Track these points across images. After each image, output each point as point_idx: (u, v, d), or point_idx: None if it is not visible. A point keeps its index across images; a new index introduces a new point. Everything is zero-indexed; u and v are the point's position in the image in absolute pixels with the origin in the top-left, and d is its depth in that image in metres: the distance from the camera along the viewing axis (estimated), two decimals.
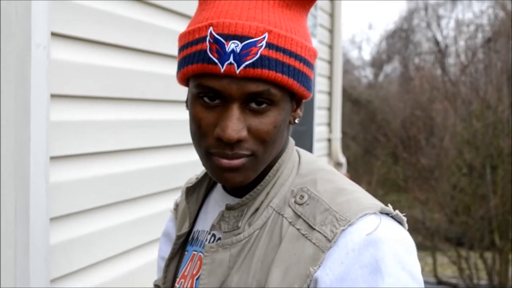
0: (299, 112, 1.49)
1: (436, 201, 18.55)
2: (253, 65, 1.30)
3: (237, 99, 1.33)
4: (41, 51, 2.28)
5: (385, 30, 38.12)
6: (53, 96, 2.41)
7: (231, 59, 1.30)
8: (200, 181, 1.65)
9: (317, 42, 7.59)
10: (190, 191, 1.64)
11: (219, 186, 1.60)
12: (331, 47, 8.42)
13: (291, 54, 1.35)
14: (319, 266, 1.30)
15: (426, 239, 18.32)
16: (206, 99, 1.36)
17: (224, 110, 1.34)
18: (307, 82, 1.41)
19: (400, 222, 1.40)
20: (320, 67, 7.86)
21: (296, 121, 1.48)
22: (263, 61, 1.31)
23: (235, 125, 1.32)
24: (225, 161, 1.36)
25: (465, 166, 17.95)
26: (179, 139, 3.48)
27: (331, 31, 8.39)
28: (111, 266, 2.93)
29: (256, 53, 1.31)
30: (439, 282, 18.28)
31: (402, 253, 1.32)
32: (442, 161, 18.67)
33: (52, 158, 2.41)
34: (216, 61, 1.31)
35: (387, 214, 1.38)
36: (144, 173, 3.21)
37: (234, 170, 1.37)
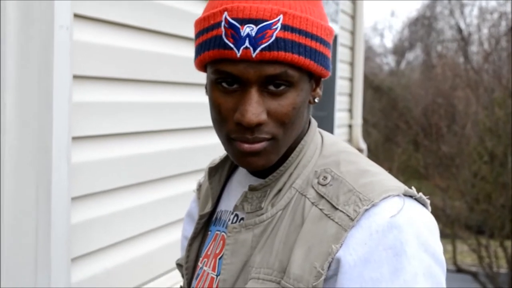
0: (319, 91, 1.48)
1: (456, 188, 18.49)
2: (269, 48, 1.30)
3: (255, 82, 1.33)
4: (64, 33, 2.29)
5: (407, 17, 37.96)
6: (75, 77, 2.42)
7: (247, 43, 1.30)
8: (222, 162, 1.65)
9: (339, 28, 7.57)
10: (213, 171, 1.64)
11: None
12: (353, 33, 8.39)
13: (307, 34, 1.35)
14: (341, 245, 1.30)
15: (446, 227, 18.27)
16: (224, 84, 1.36)
17: (243, 95, 1.34)
18: (324, 61, 1.41)
19: (424, 205, 1.40)
20: (342, 53, 7.84)
21: (316, 100, 1.47)
22: (278, 44, 1.31)
23: (254, 108, 1.32)
24: (246, 146, 1.36)
25: (487, 154, 17.86)
26: (200, 122, 3.48)
27: (353, 17, 8.37)
28: (131, 246, 2.94)
29: (272, 36, 1.30)
30: (459, 269, 18.24)
31: (426, 236, 1.32)
32: (464, 148, 18.60)
33: (74, 138, 2.42)
34: (232, 46, 1.31)
35: (411, 196, 1.37)
36: (165, 155, 3.22)
37: (255, 154, 1.37)
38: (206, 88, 1.47)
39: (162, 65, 3.15)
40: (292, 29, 1.33)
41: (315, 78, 1.45)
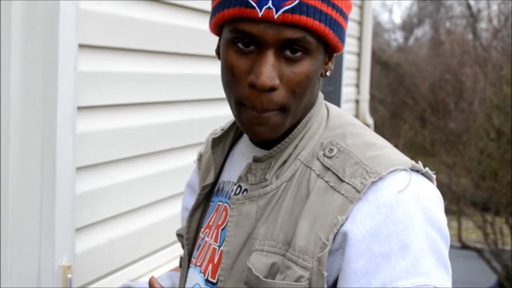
0: (331, 65, 1.47)
1: (463, 165, 18.49)
2: (292, 10, 1.29)
3: (273, 45, 1.32)
4: (70, 1, 2.28)
5: None
6: (81, 46, 2.41)
7: (270, 4, 1.29)
8: (226, 132, 1.64)
9: None
10: (216, 142, 1.63)
11: (245, 137, 1.59)
12: (361, 7, 8.35)
13: (328, 2, 1.34)
14: (347, 217, 1.29)
15: (452, 204, 18.30)
16: (240, 44, 1.35)
17: (259, 57, 1.33)
18: (341, 33, 1.40)
19: (430, 179, 1.39)
20: (350, 27, 7.79)
21: (328, 73, 1.47)
22: (301, 7, 1.30)
23: (270, 71, 1.31)
24: (255, 115, 1.35)
25: (494, 131, 17.84)
26: (207, 94, 3.47)
27: None
28: (135, 217, 2.94)
29: None
30: (464, 246, 18.29)
31: (432, 210, 1.32)
32: (471, 125, 18.57)
33: (79, 108, 2.42)
34: (255, 5, 1.30)
35: (417, 171, 1.37)
36: (171, 127, 3.21)
37: (264, 123, 1.36)
38: (217, 51, 1.46)
39: (168, 36, 3.13)
40: None
41: (329, 51, 1.44)
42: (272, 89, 1.33)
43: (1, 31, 2.19)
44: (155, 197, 3.11)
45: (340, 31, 1.39)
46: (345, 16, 1.40)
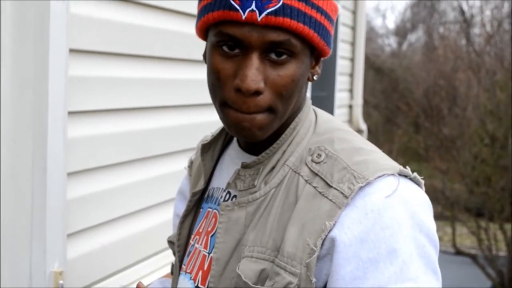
0: (318, 69, 1.47)
1: (456, 171, 18.54)
2: (275, 12, 1.29)
3: (257, 48, 1.31)
4: (61, 5, 2.27)
5: None
6: (71, 50, 2.40)
7: (253, 6, 1.29)
8: (215, 138, 1.64)
9: (340, 8, 7.54)
10: (205, 148, 1.63)
11: (234, 143, 1.59)
12: (354, 12, 8.36)
13: (313, 5, 1.34)
14: (335, 223, 1.29)
15: (446, 209, 18.34)
16: (225, 48, 1.35)
17: (243, 60, 1.33)
18: (327, 37, 1.40)
19: (418, 184, 1.39)
20: (343, 32, 7.81)
21: (315, 77, 1.46)
22: (285, 10, 1.30)
23: (254, 75, 1.31)
24: (240, 115, 1.35)
25: (487, 137, 17.90)
26: (198, 99, 3.47)
27: None
28: (127, 223, 2.94)
29: (279, 1, 1.29)
30: (458, 252, 18.31)
31: (420, 215, 1.31)
32: (464, 131, 18.63)
33: (70, 113, 2.41)
34: (238, 7, 1.30)
35: (405, 176, 1.36)
36: (162, 132, 3.21)
37: (250, 124, 1.35)
38: (204, 56, 1.46)
39: (159, 41, 3.13)
40: None
41: (315, 55, 1.44)
42: (258, 92, 1.32)
43: None
44: (147, 203, 3.11)
45: (325, 34, 1.38)
46: (330, 19, 1.40)
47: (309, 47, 1.38)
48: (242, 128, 1.36)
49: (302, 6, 1.32)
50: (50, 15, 2.22)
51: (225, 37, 1.33)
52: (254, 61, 1.31)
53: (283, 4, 1.30)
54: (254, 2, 1.29)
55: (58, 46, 2.28)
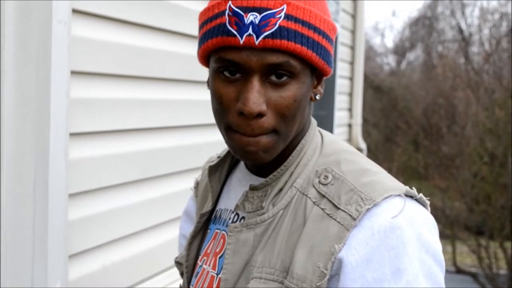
0: (320, 88, 1.48)
1: (456, 189, 18.51)
2: (272, 35, 1.30)
3: (257, 71, 1.33)
4: (62, 28, 2.28)
5: (408, 17, 38.01)
6: (73, 72, 2.41)
7: (250, 31, 1.30)
8: (222, 160, 1.65)
9: (340, 28, 7.56)
10: (212, 170, 1.63)
11: (242, 165, 1.59)
12: (353, 32, 8.39)
13: (310, 26, 1.35)
14: (344, 245, 1.29)
15: (446, 228, 18.29)
16: (226, 73, 1.36)
17: (245, 84, 1.34)
18: (326, 56, 1.41)
19: (424, 205, 1.39)
20: (342, 52, 7.83)
21: (317, 97, 1.47)
22: (282, 32, 1.31)
23: (256, 98, 1.32)
24: (245, 139, 1.36)
25: (487, 155, 17.88)
26: (200, 119, 3.48)
27: (354, 16, 8.36)
28: (129, 243, 2.94)
29: (275, 24, 1.31)
30: (458, 270, 18.26)
31: (426, 236, 1.32)
32: (464, 149, 18.62)
33: (72, 134, 2.42)
34: (235, 33, 1.31)
35: (411, 197, 1.37)
36: (163, 152, 3.21)
37: (255, 147, 1.36)
38: (207, 82, 1.47)
39: (160, 62, 3.14)
40: (296, 19, 1.33)
41: (317, 75, 1.45)
42: (260, 115, 1.33)
43: None
44: (148, 223, 3.11)
45: (324, 53, 1.40)
46: (329, 39, 1.41)
47: (309, 67, 1.39)
48: (248, 151, 1.37)
49: (299, 28, 1.33)
50: (52, 37, 2.24)
51: (225, 62, 1.35)
52: (255, 84, 1.33)
53: (279, 26, 1.31)
54: (251, 26, 1.31)
55: (60, 68, 2.29)
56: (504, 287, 17.00)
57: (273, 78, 1.34)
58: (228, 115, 1.37)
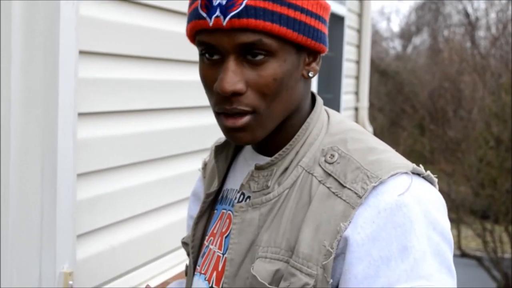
0: (315, 65, 1.46)
1: (462, 173, 18.50)
2: (238, 15, 1.30)
3: (232, 52, 1.33)
4: (70, 7, 2.28)
5: (414, 1, 37.80)
6: (81, 52, 2.41)
7: (218, 12, 1.31)
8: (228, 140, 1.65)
9: (346, 10, 7.54)
10: (219, 149, 1.64)
11: (248, 145, 1.59)
12: (360, 15, 8.36)
13: (282, 3, 1.33)
14: (350, 223, 1.29)
15: (451, 212, 18.26)
16: (207, 55, 1.38)
17: (222, 64, 1.35)
18: (311, 32, 1.39)
19: (431, 183, 1.39)
20: (349, 35, 7.82)
21: (310, 74, 1.45)
22: (248, 11, 1.31)
23: (229, 77, 1.32)
24: (230, 121, 1.36)
25: (493, 139, 17.86)
26: (207, 101, 3.47)
27: None
28: (136, 224, 2.94)
29: (241, 4, 1.31)
30: (463, 254, 18.28)
31: (434, 213, 1.31)
32: (470, 133, 18.60)
33: (80, 114, 2.42)
34: (205, 15, 1.33)
35: (418, 174, 1.37)
36: (172, 133, 3.21)
37: (240, 129, 1.37)
38: None
39: (169, 43, 3.14)
40: None
41: (308, 52, 1.44)
42: (238, 93, 1.33)
43: (1, 37, 2.20)
44: (157, 204, 3.11)
45: (307, 30, 1.38)
46: (313, 15, 1.39)
47: (290, 44, 1.37)
48: (232, 134, 1.39)
49: (268, 5, 1.32)
50: (60, 17, 2.23)
51: (203, 45, 1.37)
52: (230, 64, 1.33)
53: (246, 6, 1.31)
54: (218, 8, 1.31)
55: (68, 48, 2.29)
56: (508, 271, 17.02)
57: (249, 57, 1.34)
58: (212, 97, 1.39)
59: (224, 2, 1.31)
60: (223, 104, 1.36)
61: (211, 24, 1.32)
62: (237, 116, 1.36)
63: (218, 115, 1.40)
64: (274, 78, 1.35)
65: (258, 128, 1.38)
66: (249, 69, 1.34)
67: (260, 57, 1.34)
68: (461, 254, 18.24)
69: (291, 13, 1.35)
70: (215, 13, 1.31)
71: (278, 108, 1.40)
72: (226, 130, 1.39)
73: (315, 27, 1.40)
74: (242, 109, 1.35)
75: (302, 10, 1.37)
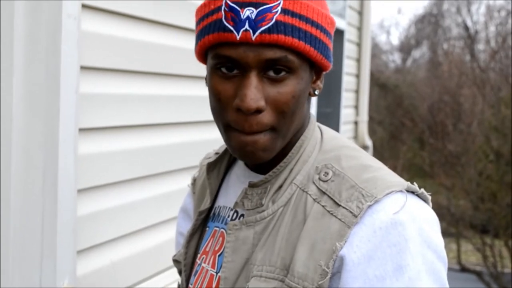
0: (319, 83, 1.46)
1: (462, 187, 18.48)
2: (268, 30, 1.29)
3: (255, 67, 1.32)
4: (72, 22, 2.28)
5: (414, 14, 37.93)
6: (82, 67, 2.41)
7: (247, 26, 1.29)
8: (220, 157, 1.63)
9: (346, 24, 7.56)
10: (211, 166, 1.62)
11: (240, 162, 1.58)
12: (359, 29, 8.38)
13: (307, 20, 1.34)
14: (345, 242, 1.29)
15: (451, 226, 18.28)
16: (223, 69, 1.35)
17: (242, 80, 1.33)
18: (325, 50, 1.39)
19: (425, 200, 1.38)
20: (348, 49, 7.83)
21: (316, 92, 1.45)
22: (278, 27, 1.30)
23: (253, 93, 1.31)
24: (243, 138, 1.35)
25: (492, 153, 17.86)
26: (209, 116, 3.41)
27: (360, 13, 8.36)
28: (137, 239, 2.94)
29: (272, 19, 1.29)
30: (463, 269, 18.25)
31: (428, 232, 1.31)
32: (469, 147, 18.59)
33: (81, 129, 2.42)
34: (232, 28, 1.30)
35: (413, 192, 1.36)
36: (173, 148, 3.21)
37: (254, 146, 1.35)
38: (206, 79, 1.46)
39: (169, 58, 3.14)
40: (293, 14, 1.32)
41: (316, 69, 1.44)
42: (259, 111, 1.32)
43: (3, 53, 2.19)
44: (157, 219, 3.11)
45: (322, 47, 1.38)
46: (326, 32, 1.39)
47: (307, 62, 1.38)
48: (246, 151, 1.36)
49: (296, 22, 1.32)
50: (62, 32, 2.24)
51: (222, 59, 1.34)
52: (253, 80, 1.32)
53: (276, 21, 1.30)
54: (247, 21, 1.29)
55: (70, 63, 2.29)
56: (509, 286, 16.98)
57: (271, 73, 1.33)
58: (227, 112, 1.36)
59: (253, 16, 1.30)
60: (241, 123, 1.34)
61: (238, 37, 1.30)
62: (255, 134, 1.35)
63: (230, 130, 1.37)
64: (292, 96, 1.35)
65: (272, 145, 1.38)
66: (269, 86, 1.34)
67: (282, 74, 1.33)
68: (461, 268, 18.21)
69: (313, 30, 1.35)
70: (243, 26, 1.30)
71: (292, 126, 1.40)
72: (239, 146, 1.37)
73: (327, 45, 1.41)
74: (262, 130, 1.34)
75: (321, 28, 1.38)
